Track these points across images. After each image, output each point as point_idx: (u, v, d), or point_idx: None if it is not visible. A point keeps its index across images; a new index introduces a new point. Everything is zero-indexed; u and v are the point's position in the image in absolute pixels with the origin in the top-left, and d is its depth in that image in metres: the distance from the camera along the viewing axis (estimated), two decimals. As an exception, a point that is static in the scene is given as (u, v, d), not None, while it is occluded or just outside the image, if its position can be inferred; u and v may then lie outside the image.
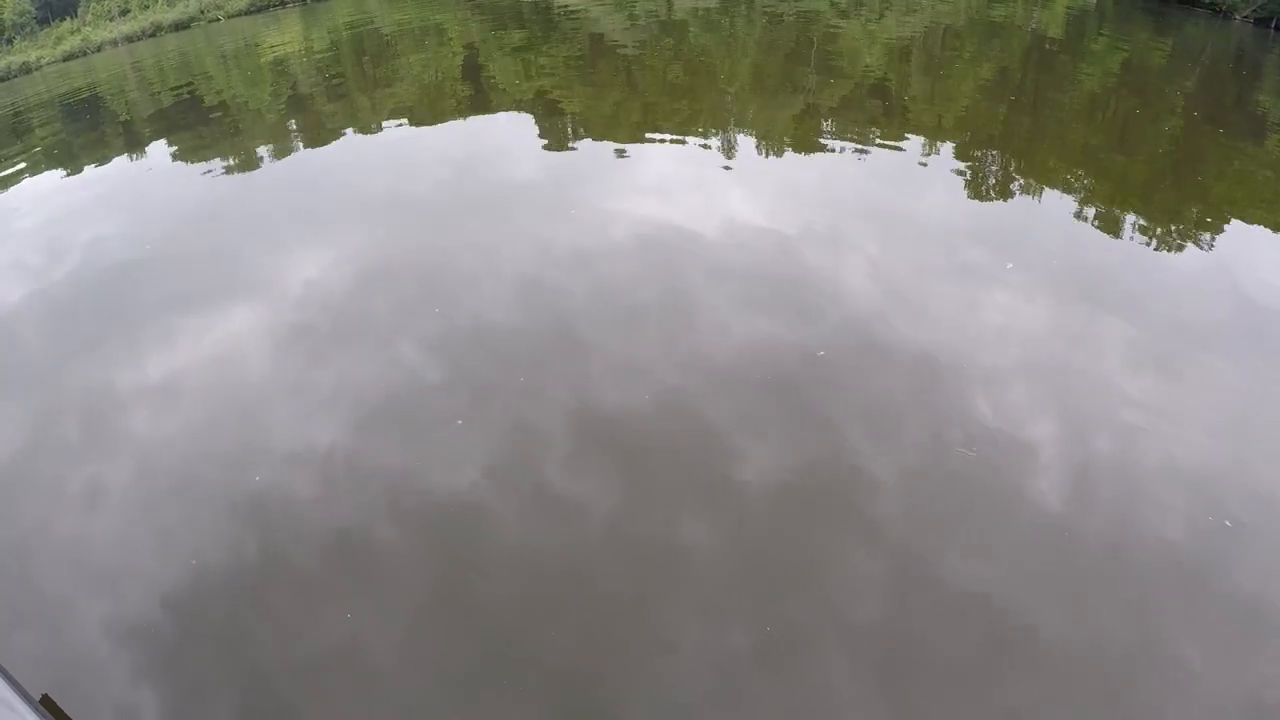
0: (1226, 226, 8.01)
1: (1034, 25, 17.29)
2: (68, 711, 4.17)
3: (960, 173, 9.50)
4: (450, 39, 21.24)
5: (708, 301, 6.95)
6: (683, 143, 10.99)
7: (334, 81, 18.34)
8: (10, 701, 3.79)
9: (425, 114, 14.55)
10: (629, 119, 12.60)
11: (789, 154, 10.50)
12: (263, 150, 13.45)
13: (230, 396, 6.57)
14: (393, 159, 12.13)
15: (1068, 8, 18.38)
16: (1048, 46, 15.73)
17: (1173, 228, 8.11)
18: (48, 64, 28.51)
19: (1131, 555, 4.47)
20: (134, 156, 14.41)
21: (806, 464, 5.16)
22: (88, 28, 30.87)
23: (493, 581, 4.63)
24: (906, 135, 10.71)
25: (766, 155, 10.46)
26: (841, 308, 6.72)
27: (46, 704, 4.15)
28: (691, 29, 18.59)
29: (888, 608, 4.25)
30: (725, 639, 4.17)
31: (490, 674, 4.15)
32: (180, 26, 30.10)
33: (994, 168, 9.79)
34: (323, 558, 4.96)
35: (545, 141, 11.75)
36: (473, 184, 10.39)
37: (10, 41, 32.33)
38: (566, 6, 22.55)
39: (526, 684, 4.08)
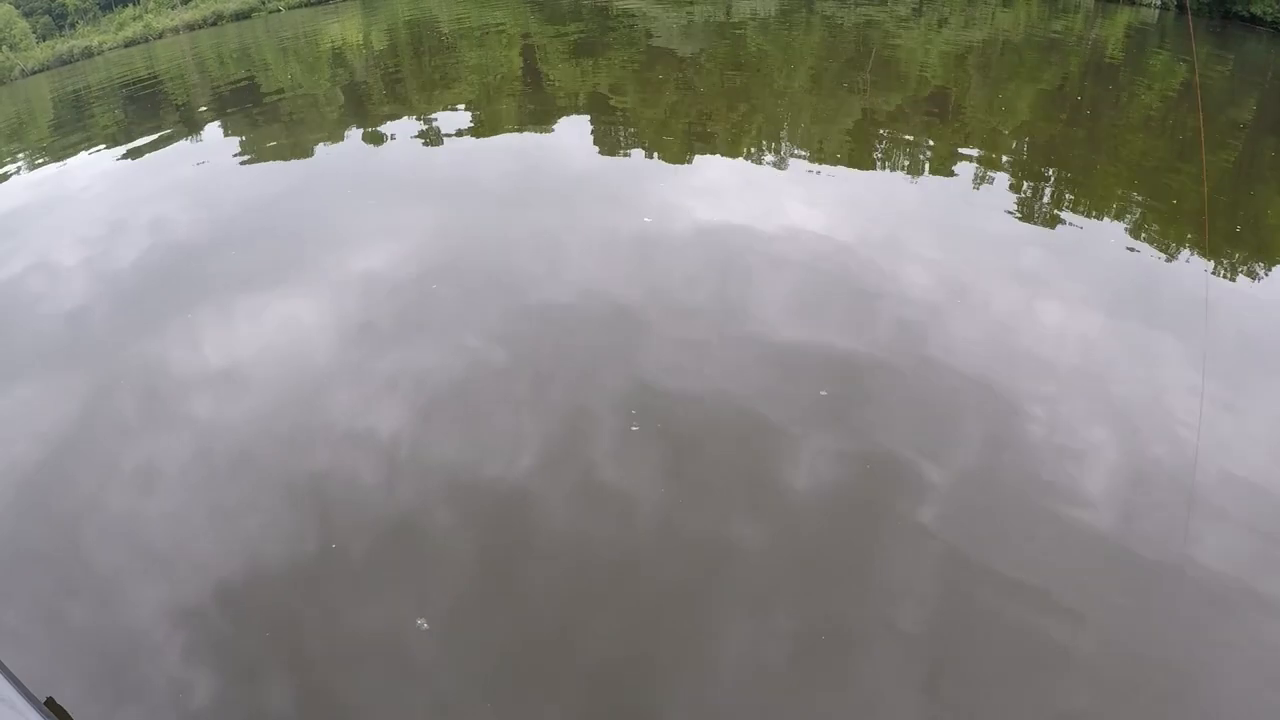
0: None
1: (1093, 39, 17.26)
2: (72, 713, 4.10)
3: (1015, 185, 9.60)
4: (509, 37, 21.60)
5: (763, 299, 7.10)
6: (737, 145, 11.16)
7: (393, 74, 18.74)
8: (13, 702, 3.73)
9: (483, 110, 14.83)
10: (683, 121, 12.82)
11: (844, 160, 10.63)
12: (322, 140, 13.74)
13: (291, 372, 6.70)
14: (451, 153, 12.35)
15: (1128, 24, 18.34)
16: (1105, 64, 15.72)
17: (1232, 249, 8.12)
18: (109, 49, 29.28)
19: (1189, 574, 4.40)
20: (194, 142, 14.78)
21: (859, 465, 5.22)
22: (150, 14, 31.67)
23: (541, 565, 4.67)
24: (960, 147, 10.84)
25: (821, 161, 10.60)
26: (894, 312, 6.82)
27: (51, 706, 4.07)
28: (749, 34, 18.77)
29: (937, 611, 4.25)
30: (772, 632, 4.20)
31: (536, 654, 4.19)
32: (241, 16, 30.83)
33: (1049, 181, 9.88)
34: (372, 540, 4.90)
35: (599, 143, 11.98)
36: (532, 180, 10.56)
37: (73, 26, 33.31)
38: (625, 8, 22.81)
39: (571, 667, 4.14)
